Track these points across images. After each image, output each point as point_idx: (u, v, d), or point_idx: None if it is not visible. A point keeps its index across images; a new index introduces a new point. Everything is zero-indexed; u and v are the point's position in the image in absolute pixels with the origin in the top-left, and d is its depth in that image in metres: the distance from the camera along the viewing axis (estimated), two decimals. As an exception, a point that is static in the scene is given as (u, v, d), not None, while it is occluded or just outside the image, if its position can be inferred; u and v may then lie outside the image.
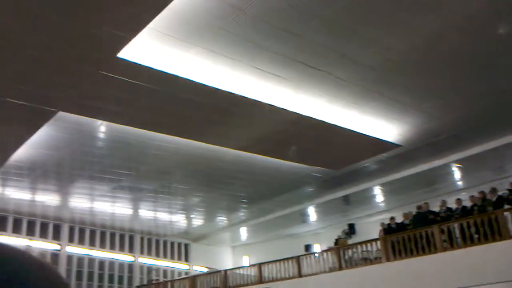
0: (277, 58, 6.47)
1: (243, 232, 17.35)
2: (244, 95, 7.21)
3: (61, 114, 7.44)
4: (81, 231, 15.10)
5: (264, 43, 6.08)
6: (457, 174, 12.28)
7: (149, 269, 16.60)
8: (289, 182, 11.82)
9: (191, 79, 6.68)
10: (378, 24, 5.84)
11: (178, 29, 5.69)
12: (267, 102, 7.51)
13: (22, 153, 9.02)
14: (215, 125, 8.39)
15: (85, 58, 5.93)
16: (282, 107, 7.73)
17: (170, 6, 5.09)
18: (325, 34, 5.98)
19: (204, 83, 6.80)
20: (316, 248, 16.69)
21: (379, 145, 9.65)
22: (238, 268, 15.05)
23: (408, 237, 10.41)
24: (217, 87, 6.93)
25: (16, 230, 13.57)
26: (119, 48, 5.71)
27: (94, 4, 4.91)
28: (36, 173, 10.42)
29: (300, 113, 8.00)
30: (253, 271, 13.66)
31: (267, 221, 15.32)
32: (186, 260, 17.73)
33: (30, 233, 13.87)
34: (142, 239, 16.63)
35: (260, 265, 13.50)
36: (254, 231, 17.07)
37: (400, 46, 6.39)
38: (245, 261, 18.68)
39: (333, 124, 8.52)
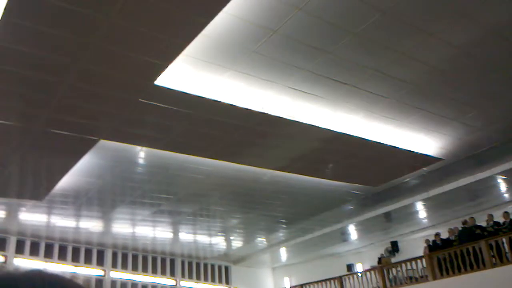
0: (310, 76, 6.49)
1: (283, 252, 17.18)
2: (279, 115, 7.24)
3: (102, 142, 7.68)
4: (124, 256, 15.35)
5: (297, 62, 6.13)
6: (502, 186, 11.81)
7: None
8: (327, 200, 11.69)
9: (226, 102, 6.78)
10: (412, 37, 5.79)
11: (212, 53, 5.82)
12: (303, 121, 7.51)
13: (66, 181, 9.33)
14: (251, 146, 8.44)
15: (124, 88, 6.13)
16: (319, 126, 7.71)
17: (204, 32, 5.22)
18: (358, 50, 5.98)
19: (239, 105, 6.88)
20: (359, 267, 16.33)
21: (419, 159, 9.44)
22: (280, 289, 14.87)
23: (455, 253, 10.06)
24: (252, 108, 7.00)
25: (62, 257, 13.94)
26: (156, 76, 5.88)
27: (132, 34, 5.10)
28: (80, 201, 10.72)
29: (337, 130, 7.95)
30: (295, 293, 13.46)
31: (307, 241, 15.13)
32: (227, 282, 17.68)
33: (75, 259, 14.21)
34: (183, 262, 16.73)
35: (301, 286, 13.31)
36: (294, 252, 16.87)
37: (436, 58, 6.30)
38: (286, 282, 18.45)
39: (370, 140, 8.41)
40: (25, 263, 13.17)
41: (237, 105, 6.84)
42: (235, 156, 8.80)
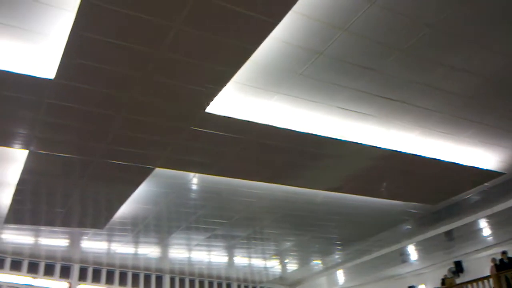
0: (359, 95, 6.41)
1: (340, 275, 16.76)
2: (329, 136, 7.18)
3: (157, 170, 7.90)
4: (181, 282, 15.54)
5: (345, 82, 6.08)
6: None
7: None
8: (384, 220, 11.35)
9: (275, 126, 6.82)
10: (463, 50, 5.61)
11: (259, 78, 5.90)
12: (355, 141, 7.40)
13: (125, 209, 9.66)
14: (302, 169, 8.39)
15: (176, 117, 6.32)
16: (371, 145, 7.57)
17: (251, 58, 5.31)
18: (406, 66, 5.85)
19: (288, 128, 6.89)
20: (421, 289, 15.64)
21: (479, 174, 9.01)
22: (339, 314, 14.47)
23: (526, 273, 9.41)
24: (301, 130, 6.99)
25: (122, 283, 14.32)
26: (207, 104, 6.02)
27: (182, 65, 5.27)
28: (138, 228, 11.04)
29: (391, 148, 7.76)
30: (355, 317, 13.06)
31: (364, 263, 14.70)
32: (284, 306, 17.43)
33: (135, 285, 14.55)
34: (239, 286, 16.69)
35: (361, 310, 12.90)
36: (352, 274, 16.42)
37: (490, 69, 6.05)
38: (345, 306, 17.95)
39: (427, 157, 8.13)
40: (88, 289, 13.64)
41: (286, 128, 6.85)
42: (287, 178, 8.77)
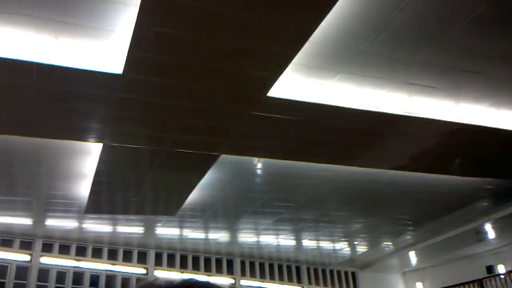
0: (426, 69, 6.15)
1: (413, 256, 16.33)
2: (395, 112, 6.95)
3: (223, 156, 8.06)
4: (251, 265, 15.85)
5: (409, 56, 5.84)
6: None
7: (320, 299, 16.58)
8: (457, 198, 10.87)
9: (339, 105, 6.70)
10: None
11: (320, 59, 5.81)
12: (423, 116, 7.12)
13: (193, 196, 9.96)
14: (367, 148, 8.21)
15: (238, 103, 6.39)
16: (439, 119, 7.24)
17: (311, 38, 5.23)
18: (476, 34, 5.52)
19: (352, 107, 6.76)
20: (501, 269, 14.89)
21: None
22: (413, 295, 14.14)
23: None
24: (365, 109, 6.82)
25: (195, 267, 14.84)
26: (268, 88, 6.03)
27: (241, 50, 5.30)
28: (207, 213, 11.36)
29: (462, 122, 7.39)
30: (430, 298, 12.70)
31: (438, 243, 14.20)
32: (355, 288, 17.30)
33: (207, 269, 15.03)
34: (308, 269, 16.75)
35: (437, 291, 12.52)
36: (425, 255, 15.93)
37: None
38: (419, 287, 17.50)
39: (501, 129, 7.66)
40: (164, 274, 14.27)
41: (350, 107, 6.71)
42: (352, 159, 8.63)
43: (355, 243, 14.79)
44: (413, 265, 17.49)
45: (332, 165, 8.85)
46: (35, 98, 5.99)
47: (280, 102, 6.42)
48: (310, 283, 16.62)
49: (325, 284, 16.89)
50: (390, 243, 14.90)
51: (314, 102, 6.56)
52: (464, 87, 6.60)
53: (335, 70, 6.02)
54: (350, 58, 5.77)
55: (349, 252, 15.63)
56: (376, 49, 5.61)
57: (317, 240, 14.26)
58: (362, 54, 5.69)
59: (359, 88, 6.47)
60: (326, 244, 14.66)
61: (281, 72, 5.74)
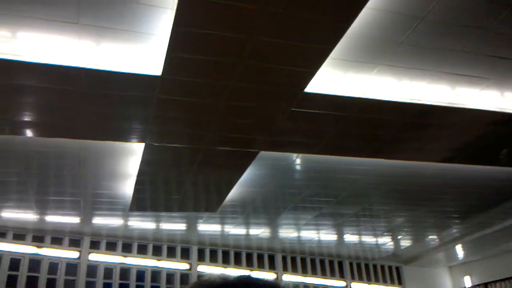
0: (467, 57, 5.93)
1: (459, 250, 15.86)
2: (437, 104, 6.76)
3: (262, 153, 8.10)
4: (293, 260, 15.86)
5: (450, 45, 5.66)
6: None
7: (363, 294, 16.40)
8: (505, 190, 10.46)
9: (378, 99, 6.59)
10: None
11: (357, 52, 5.72)
12: (467, 107, 6.89)
13: (234, 193, 10.07)
14: (409, 141, 8.03)
15: (276, 99, 6.39)
16: (484, 109, 6.99)
17: (348, 32, 5.16)
18: (523, 19, 5.27)
19: (391, 100, 6.62)
20: (553, 262, 14.25)
21: None
22: (460, 290, 13.75)
23: None
24: (406, 101, 6.67)
25: (237, 262, 15.00)
26: (305, 84, 6.00)
27: (278, 48, 5.30)
28: (248, 210, 11.45)
29: (507, 111, 7.10)
30: (479, 293, 12.30)
31: (485, 236, 13.72)
32: (400, 283, 16.98)
33: (249, 264, 15.16)
34: (351, 264, 16.60)
35: (485, 285, 12.11)
36: (473, 248, 15.44)
37: None
38: (467, 281, 16.99)
39: (552, 117, 7.31)
40: (207, 269, 14.51)
41: (390, 100, 6.58)
42: (393, 153, 8.46)
43: (399, 237, 14.51)
44: (460, 258, 17.00)
45: (372, 159, 8.71)
46: (79, 102, 6.21)
47: (318, 98, 6.37)
48: (353, 278, 16.46)
49: (368, 279, 16.68)
50: (435, 236, 14.53)
51: (352, 96, 6.48)
52: (509, 75, 6.33)
53: (374, 63, 5.91)
54: (388, 50, 5.65)
55: (392, 247, 15.36)
56: (415, 40, 5.47)
57: (359, 234, 14.09)
58: (401, 45, 5.56)
59: (399, 81, 6.33)
60: (368, 239, 14.46)
61: (319, 68, 5.70)
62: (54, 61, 5.33)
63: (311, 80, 5.96)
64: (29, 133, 7.12)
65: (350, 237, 14.40)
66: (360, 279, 16.56)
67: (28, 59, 5.26)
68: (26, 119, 6.66)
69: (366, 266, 16.82)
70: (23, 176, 8.88)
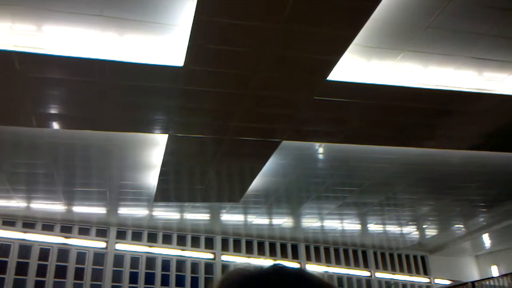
0: (495, 41, 5.75)
1: (486, 239, 15.58)
2: (466, 90, 6.60)
3: (284, 142, 8.06)
4: (316, 250, 15.85)
5: (478, 29, 5.49)
6: None
7: (388, 284, 16.29)
8: (536, 177, 10.20)
9: (403, 85, 6.46)
10: None
11: (381, 38, 5.61)
12: (495, 93, 6.70)
13: (256, 182, 10.08)
14: (435, 128, 7.87)
15: (298, 88, 6.34)
16: (513, 94, 6.80)
17: (370, 18, 5.06)
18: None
19: (417, 87, 6.49)
20: None
21: None
22: (487, 279, 13.53)
23: None
24: (432, 87, 6.53)
25: (261, 252, 15.08)
26: (328, 72, 5.92)
27: (300, 36, 5.24)
28: (270, 199, 11.46)
29: (539, 96, 6.89)
30: (506, 282, 12.09)
31: (514, 225, 13.45)
32: (425, 273, 16.81)
33: (272, 254, 15.22)
34: (375, 253, 16.49)
35: (514, 275, 11.88)
36: (500, 237, 15.14)
37: None
38: (494, 271, 16.70)
39: None
40: (230, 258, 14.63)
41: (416, 86, 6.45)
42: (420, 141, 8.32)
43: (424, 226, 14.33)
44: (486, 248, 16.71)
45: (397, 147, 8.59)
46: (103, 94, 6.28)
47: (341, 86, 6.29)
48: (377, 267, 16.36)
49: (393, 268, 16.56)
50: (461, 225, 14.30)
51: (376, 84, 6.37)
52: (542, 59, 6.12)
53: (398, 49, 5.79)
54: (413, 35, 5.52)
55: (417, 236, 15.19)
56: (442, 24, 5.33)
57: (384, 224, 13.97)
58: (427, 30, 5.42)
59: (425, 67, 6.19)
60: (393, 228, 14.33)
61: (341, 55, 5.61)
62: (78, 54, 5.39)
63: (334, 68, 5.88)
64: (55, 125, 7.25)
65: (374, 227, 14.29)
66: (385, 269, 16.44)
67: (53, 52, 5.34)
68: (53, 111, 6.78)
69: (391, 255, 16.69)
70: (50, 168, 9.07)
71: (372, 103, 6.87)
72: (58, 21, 5.00)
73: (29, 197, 10.94)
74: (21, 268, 12.10)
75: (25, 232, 12.49)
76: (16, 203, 11.18)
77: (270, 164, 9.05)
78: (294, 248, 15.57)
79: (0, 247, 12.08)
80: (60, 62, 5.51)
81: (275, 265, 0.87)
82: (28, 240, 12.46)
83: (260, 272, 0.85)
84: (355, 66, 6.10)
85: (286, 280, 0.83)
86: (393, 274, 16.46)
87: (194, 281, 13.97)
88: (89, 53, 5.40)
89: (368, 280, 16.12)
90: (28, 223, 12.54)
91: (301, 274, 0.86)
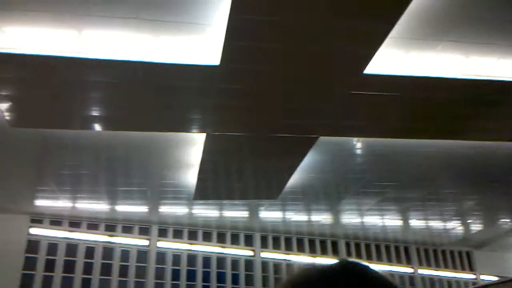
0: (543, 27, 5.50)
1: (536, 234, 14.94)
2: (508, 79, 6.34)
3: (321, 138, 8.00)
4: (357, 246, 15.65)
5: (523, 15, 5.27)
6: None
7: (432, 281, 15.90)
8: None
9: (442, 77, 6.28)
10: None
11: (418, 29, 5.48)
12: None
13: (294, 179, 10.05)
14: (477, 120, 7.61)
15: (335, 84, 6.27)
16: None
17: (407, 9, 4.95)
18: None
19: (458, 77, 6.29)
20: None
21: None
22: (538, 275, 12.94)
23: None
24: (473, 78, 6.31)
25: (300, 249, 15.04)
26: (364, 66, 5.83)
27: (335, 31, 5.18)
28: (309, 196, 11.40)
29: None
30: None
31: None
32: (471, 269, 16.29)
33: (312, 251, 15.14)
34: (418, 250, 16.12)
35: None
36: (551, 232, 14.50)
37: None
38: (545, 267, 16.00)
39: None
40: (269, 255, 14.67)
41: (456, 77, 6.25)
42: (462, 133, 8.06)
43: (469, 221, 13.89)
44: (537, 243, 16.02)
45: (437, 140, 8.36)
46: (141, 95, 6.43)
47: (378, 79, 6.18)
48: (420, 264, 15.99)
49: (437, 265, 16.13)
50: (508, 219, 13.77)
51: (415, 76, 6.22)
52: None
53: (437, 39, 5.64)
54: (453, 24, 5.36)
55: (462, 231, 14.74)
56: (484, 11, 5.14)
57: (426, 219, 13.64)
58: (468, 18, 5.24)
59: (466, 57, 5.99)
60: (436, 224, 13.96)
61: (378, 48, 5.51)
62: (116, 57, 5.53)
63: (371, 62, 5.78)
64: (97, 127, 7.48)
65: (416, 222, 13.97)
66: (428, 265, 16.05)
67: (93, 56, 5.50)
68: (94, 113, 6.99)
69: (434, 251, 16.26)
70: (94, 169, 9.37)
71: (411, 95, 6.71)
72: (97, 25, 5.15)
73: (74, 197, 11.34)
74: (69, 266, 12.55)
75: (71, 231, 12.94)
76: (62, 204, 11.60)
77: (308, 160, 9.00)
78: (334, 245, 15.43)
79: (48, 246, 12.57)
80: (100, 65, 5.68)
81: (346, 262, 0.87)
82: (75, 239, 12.91)
83: (330, 271, 0.85)
84: (393, 59, 5.97)
85: (354, 279, 0.82)
86: (437, 270, 16.04)
87: (235, 278, 14.08)
88: (126, 55, 5.54)
89: (411, 277, 15.77)
90: (74, 223, 12.98)
91: (367, 272, 0.85)
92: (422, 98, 6.79)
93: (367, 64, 5.82)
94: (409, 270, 15.86)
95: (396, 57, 5.97)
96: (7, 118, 6.86)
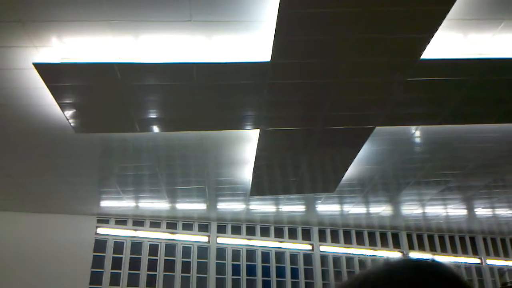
0: None
1: None
2: None
3: (377, 128, 7.83)
4: (419, 237, 15.22)
5: None
6: None
7: (501, 271, 15.18)
8: None
9: (504, 57, 5.96)
10: None
11: (478, 9, 5.22)
12: None
13: (351, 171, 9.91)
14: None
15: (390, 71, 6.12)
16: None
17: (465, -11, 4.74)
18: None
19: (523, 57, 5.95)
20: None
21: None
22: None
23: None
24: (540, 56, 5.94)
25: (360, 242, 14.82)
26: (421, 51, 5.65)
27: (390, 17, 5.05)
28: (366, 188, 11.20)
29: None
30: None
31: None
32: (544, 258, 15.41)
33: (372, 243, 14.88)
34: (484, 239, 15.44)
35: None
36: None
37: None
38: None
39: None
40: (328, 249, 14.56)
41: (520, 57, 5.92)
42: (529, 115, 7.62)
43: (540, 208, 13.13)
44: None
45: (501, 124, 7.95)
46: (196, 96, 6.57)
47: (436, 64, 5.97)
48: (488, 254, 15.30)
49: (506, 255, 15.38)
50: None
51: (475, 58, 5.95)
52: None
53: (499, 18, 5.35)
54: (515, 1, 5.07)
55: (533, 219, 13.96)
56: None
57: (492, 207, 13.02)
58: (531, -7, 4.95)
59: (530, 34, 5.65)
60: (503, 212, 13.30)
61: (435, 32, 5.31)
62: (171, 60, 5.69)
63: (427, 46, 5.58)
64: (156, 129, 7.73)
65: (482, 211, 13.37)
66: (496, 255, 15.33)
67: (149, 60, 5.69)
68: (152, 116, 7.23)
69: (503, 241, 15.51)
70: (154, 169, 9.69)
71: (470, 79, 6.42)
72: (151, 30, 5.31)
73: (137, 197, 11.79)
74: (134, 264, 13.08)
75: (135, 230, 13.47)
76: (126, 204, 12.10)
77: (364, 151, 8.85)
78: (395, 237, 15.08)
79: (114, 245, 13.16)
80: (156, 69, 5.86)
81: (410, 259, 0.85)
82: (139, 237, 13.43)
83: (395, 266, 0.83)
84: (450, 42, 5.74)
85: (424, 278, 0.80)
86: (506, 260, 15.29)
87: (294, 272, 14.11)
88: (180, 58, 5.68)
89: (479, 268, 15.14)
90: (138, 221, 13.51)
91: (437, 268, 0.83)
92: (484, 82, 6.48)
93: (423, 50, 5.63)
94: (475, 260, 15.22)
95: (454, 40, 5.72)
96: (72, 124, 7.24)
